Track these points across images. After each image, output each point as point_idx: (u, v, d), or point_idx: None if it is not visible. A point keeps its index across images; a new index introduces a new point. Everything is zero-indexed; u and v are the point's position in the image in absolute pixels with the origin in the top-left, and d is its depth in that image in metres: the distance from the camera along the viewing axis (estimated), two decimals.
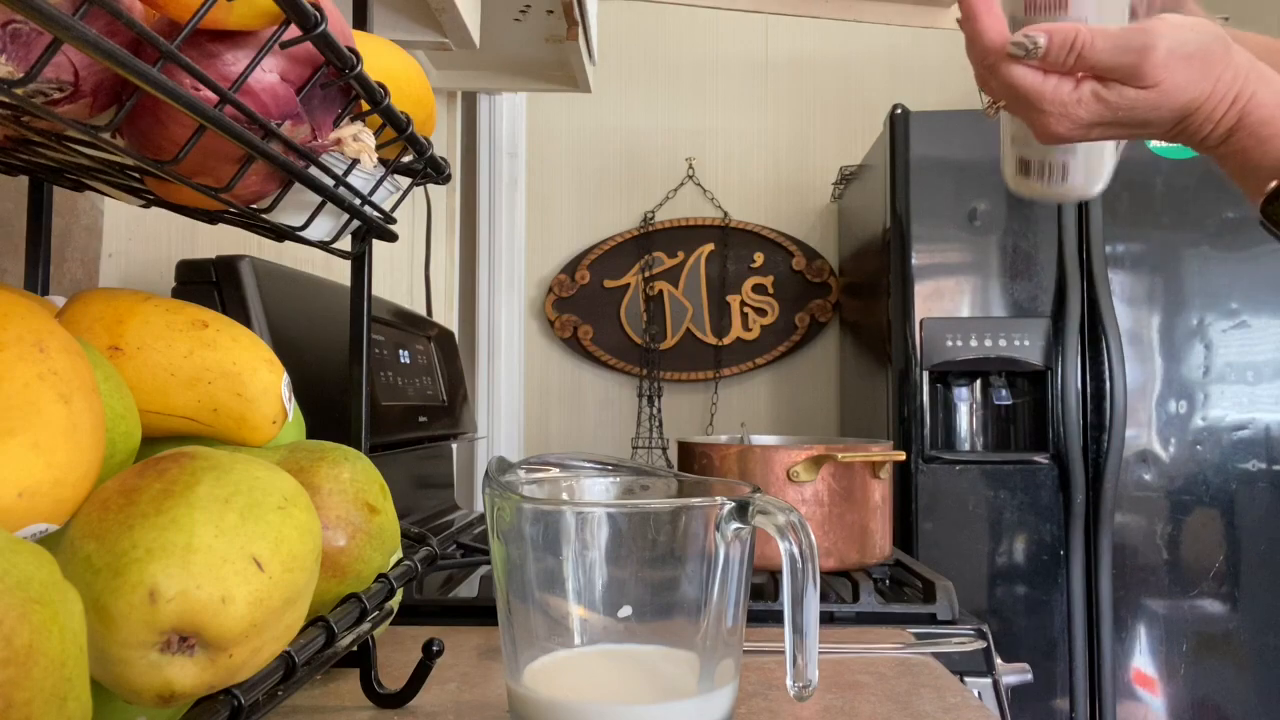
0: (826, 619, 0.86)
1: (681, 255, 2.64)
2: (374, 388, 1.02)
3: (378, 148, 0.49)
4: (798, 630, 0.46)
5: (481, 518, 1.37)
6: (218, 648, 0.36)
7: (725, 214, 2.66)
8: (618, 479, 0.59)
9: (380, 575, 0.55)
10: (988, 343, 1.89)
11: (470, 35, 1.13)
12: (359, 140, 0.48)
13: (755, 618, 0.81)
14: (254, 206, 0.50)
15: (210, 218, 0.57)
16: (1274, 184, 0.48)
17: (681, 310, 2.63)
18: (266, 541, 0.38)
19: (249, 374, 0.51)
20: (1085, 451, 1.86)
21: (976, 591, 1.86)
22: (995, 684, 0.80)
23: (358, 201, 0.56)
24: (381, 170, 0.56)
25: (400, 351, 1.18)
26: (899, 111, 1.97)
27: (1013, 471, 1.88)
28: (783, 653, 0.47)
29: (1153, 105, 0.47)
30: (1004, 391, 1.94)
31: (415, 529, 0.67)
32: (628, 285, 2.65)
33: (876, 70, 2.66)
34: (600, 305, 2.64)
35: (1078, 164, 0.57)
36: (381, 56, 0.56)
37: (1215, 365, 1.87)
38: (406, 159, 0.59)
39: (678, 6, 2.33)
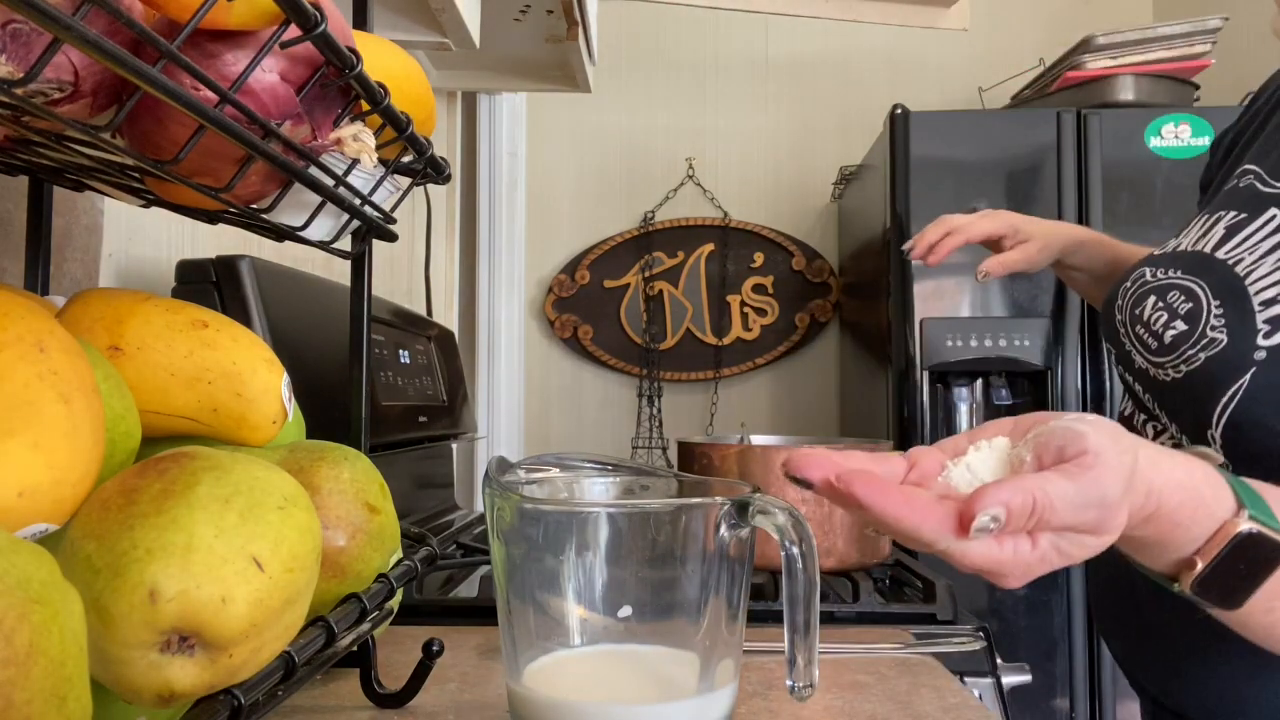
0: (826, 619, 0.86)
1: (681, 255, 2.64)
2: (374, 388, 1.02)
3: (378, 148, 0.49)
4: (798, 630, 0.46)
5: (481, 518, 1.37)
6: (218, 648, 0.36)
7: (725, 214, 2.66)
8: (618, 479, 0.59)
9: (380, 575, 0.55)
10: (988, 343, 1.89)
11: (470, 35, 1.13)
12: (359, 140, 0.48)
13: (755, 618, 0.81)
14: (254, 206, 0.50)
15: (210, 218, 0.57)
16: (1200, 565, 0.48)
17: (681, 310, 2.63)
18: (266, 541, 0.38)
19: (249, 374, 0.51)
20: None
21: (976, 591, 1.85)
22: (995, 684, 0.80)
23: (358, 201, 0.56)
24: (381, 170, 0.56)
25: (400, 351, 1.18)
26: (899, 111, 1.97)
27: None
28: (783, 653, 0.47)
29: (1105, 545, 0.46)
30: (1004, 391, 1.94)
31: (415, 529, 0.67)
32: (628, 285, 2.65)
33: (876, 70, 2.66)
34: (600, 305, 2.64)
35: None
36: (381, 56, 0.56)
37: None
38: (406, 159, 0.59)
39: (678, 6, 2.33)
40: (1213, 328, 0.65)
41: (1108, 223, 1.89)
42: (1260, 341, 0.62)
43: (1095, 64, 2.01)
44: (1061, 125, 1.93)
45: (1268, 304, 0.63)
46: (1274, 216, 0.67)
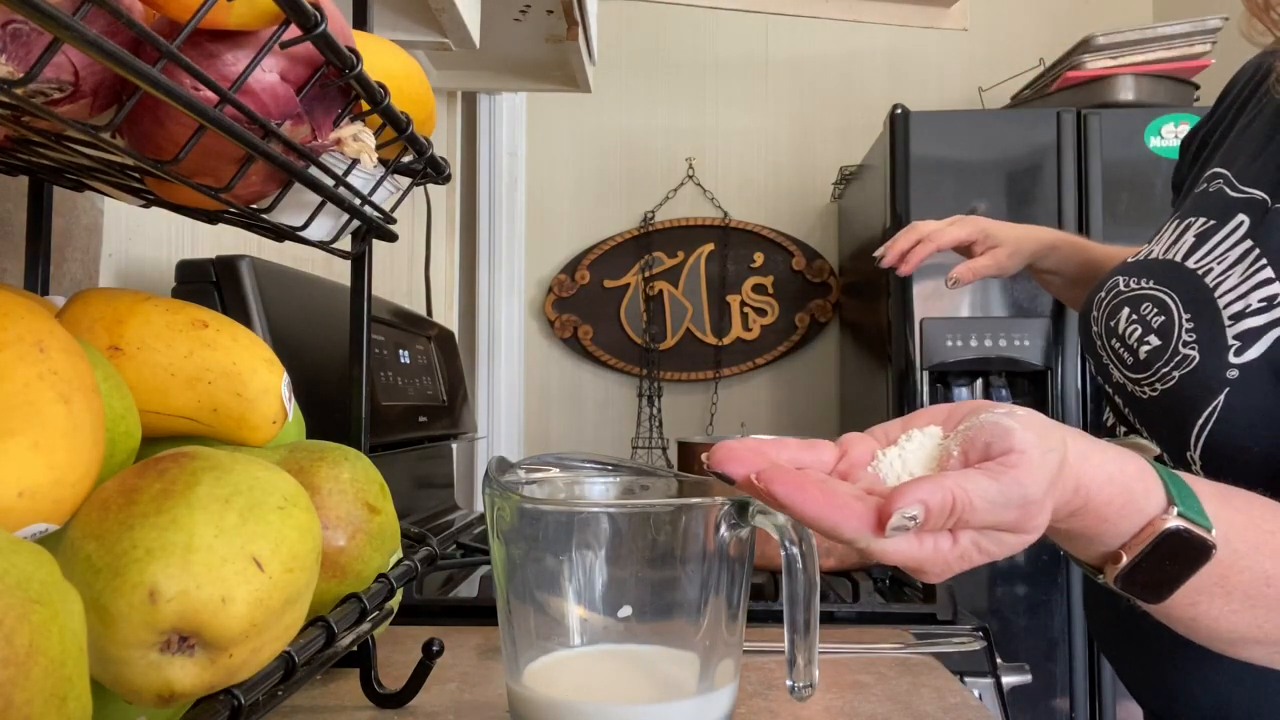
0: (826, 619, 0.86)
1: (681, 255, 2.64)
2: (374, 388, 1.02)
3: (378, 148, 0.49)
4: (798, 630, 0.46)
5: (481, 518, 1.37)
6: (218, 648, 0.36)
7: (725, 214, 2.66)
8: (618, 479, 0.59)
9: (380, 575, 0.55)
10: (988, 343, 1.89)
11: (470, 35, 1.13)
12: (359, 140, 0.48)
13: (755, 618, 0.81)
14: (254, 206, 0.50)
15: (210, 218, 0.57)
16: (1125, 559, 0.47)
17: (681, 310, 2.63)
18: (266, 541, 0.38)
19: (249, 374, 0.51)
20: None
21: (976, 591, 1.85)
22: (995, 684, 0.80)
23: (358, 201, 0.56)
24: (381, 170, 0.56)
25: (400, 351, 1.18)
26: (899, 111, 1.97)
27: None
28: (783, 653, 0.47)
29: (1026, 544, 0.45)
30: (1004, 391, 1.94)
31: (415, 529, 0.67)
32: (628, 285, 2.65)
33: (876, 70, 2.66)
34: (600, 305, 2.64)
35: None
36: (381, 56, 0.56)
37: None
38: (406, 159, 0.59)
39: (678, 6, 2.33)
40: (1184, 344, 0.64)
41: (1107, 223, 1.89)
42: (1232, 359, 0.61)
43: (1095, 64, 2.01)
44: (1061, 125, 1.93)
45: (1236, 318, 0.62)
46: (1241, 223, 0.66)
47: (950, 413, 0.48)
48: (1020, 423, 0.43)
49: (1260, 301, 0.62)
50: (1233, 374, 0.61)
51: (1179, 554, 0.47)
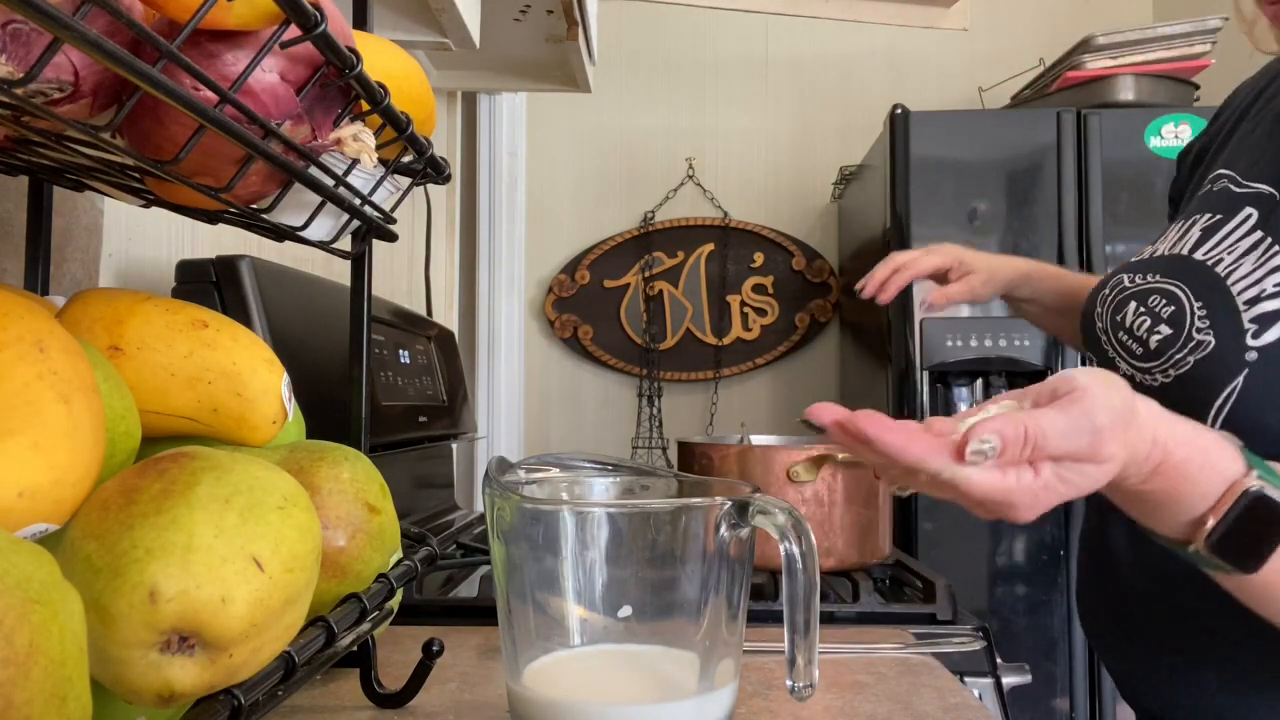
0: (826, 619, 0.86)
1: (681, 255, 2.64)
2: (374, 388, 1.02)
3: (378, 148, 0.49)
4: (798, 630, 0.46)
5: (481, 518, 1.37)
6: (218, 648, 0.36)
7: (725, 214, 2.65)
8: (618, 479, 0.59)
9: (380, 575, 0.55)
10: (987, 343, 1.89)
11: (470, 35, 1.13)
12: (359, 140, 0.48)
13: (755, 618, 0.81)
14: (254, 206, 0.50)
15: (210, 218, 0.57)
16: (1211, 521, 0.49)
17: (681, 310, 2.63)
18: (266, 541, 0.38)
19: (249, 374, 0.51)
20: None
21: (976, 591, 1.85)
22: (995, 684, 0.80)
23: (358, 201, 0.56)
24: (381, 170, 0.56)
25: (400, 351, 1.18)
26: (899, 111, 1.97)
27: None
28: (783, 653, 0.47)
29: (1106, 473, 0.48)
30: (1004, 391, 1.94)
31: (415, 529, 0.67)
32: (628, 285, 2.65)
33: (876, 70, 2.66)
34: (600, 305, 2.64)
35: None
36: (381, 56, 0.56)
37: None
38: (406, 159, 0.59)
39: (678, 6, 2.33)
40: (1198, 330, 0.65)
41: (1108, 223, 1.89)
42: (1250, 342, 0.62)
43: (1095, 64, 2.01)
44: (1061, 125, 1.93)
45: (1252, 302, 0.63)
46: (1250, 215, 0.67)
47: (1023, 393, 0.51)
48: (1082, 372, 0.48)
49: (1276, 286, 0.62)
50: (1251, 356, 0.61)
51: (1266, 518, 0.48)
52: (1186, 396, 0.64)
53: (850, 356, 2.49)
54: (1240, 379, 0.62)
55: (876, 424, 0.45)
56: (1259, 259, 0.65)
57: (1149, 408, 0.49)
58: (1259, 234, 0.66)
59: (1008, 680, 0.81)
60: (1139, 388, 0.71)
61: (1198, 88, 2.06)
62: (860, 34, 2.61)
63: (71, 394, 0.37)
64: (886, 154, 1.99)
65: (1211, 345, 0.64)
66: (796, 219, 2.67)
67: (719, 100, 2.68)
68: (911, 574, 0.98)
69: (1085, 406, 0.46)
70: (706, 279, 2.64)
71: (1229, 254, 0.67)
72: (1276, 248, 0.64)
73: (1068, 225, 1.90)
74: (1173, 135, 1.91)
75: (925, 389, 1.91)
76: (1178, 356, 0.66)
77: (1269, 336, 0.61)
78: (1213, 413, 0.63)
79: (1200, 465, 0.49)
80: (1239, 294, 0.64)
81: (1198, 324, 0.65)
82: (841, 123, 2.65)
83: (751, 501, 0.48)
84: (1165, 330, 0.67)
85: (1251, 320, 0.63)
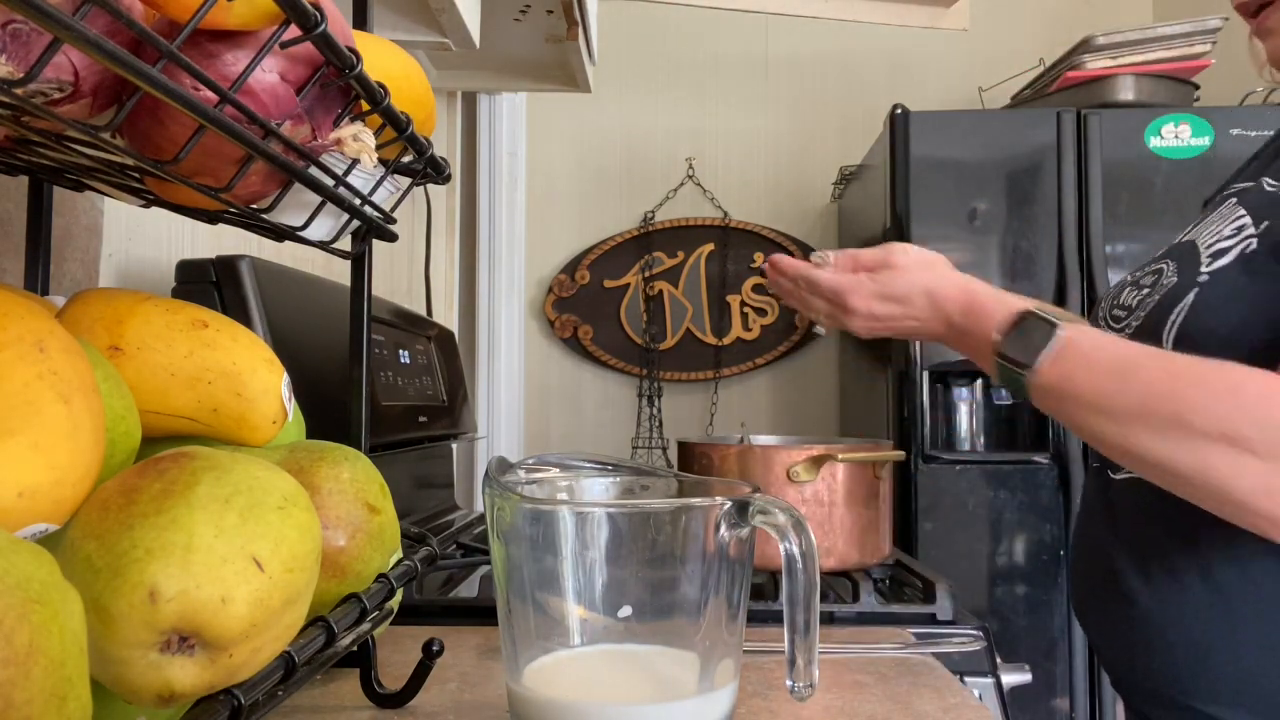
0: (826, 619, 0.86)
1: (681, 255, 2.64)
2: (374, 388, 1.02)
3: (378, 148, 0.49)
4: (798, 630, 0.46)
5: (481, 518, 1.37)
6: (218, 648, 0.36)
7: (725, 214, 2.65)
8: (618, 479, 0.59)
9: (380, 575, 0.55)
10: None
11: (470, 35, 1.13)
12: (359, 140, 0.48)
13: (755, 618, 0.81)
14: (254, 206, 0.50)
15: (210, 218, 0.57)
16: (997, 334, 0.70)
17: (681, 310, 2.63)
18: (266, 541, 0.38)
19: (249, 374, 0.51)
20: (1085, 451, 1.86)
21: (976, 591, 1.85)
22: (995, 684, 0.80)
23: (358, 201, 0.56)
24: (381, 170, 0.56)
25: (400, 351, 1.18)
26: (899, 111, 1.97)
27: (1013, 471, 1.88)
28: (783, 653, 0.47)
29: (906, 282, 0.77)
30: (1003, 392, 1.94)
31: (415, 529, 0.67)
32: (628, 285, 2.64)
33: (876, 70, 2.66)
34: (600, 305, 2.64)
35: None
36: (381, 56, 0.56)
37: None
38: (406, 159, 0.59)
39: (678, 6, 2.33)
40: (1166, 278, 0.73)
41: (1107, 223, 1.89)
42: (1202, 269, 0.70)
43: (1095, 64, 2.01)
44: (1061, 125, 1.93)
45: (1211, 248, 0.71)
46: (1234, 196, 0.74)
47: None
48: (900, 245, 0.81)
49: (1232, 232, 0.70)
50: (1203, 278, 0.69)
51: (1034, 326, 0.67)
52: (1151, 326, 0.71)
53: (850, 357, 2.49)
54: (1191, 295, 0.69)
55: (782, 259, 0.86)
56: (1224, 218, 0.72)
57: (960, 273, 0.75)
58: (1232, 202, 0.73)
59: (1008, 680, 0.81)
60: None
61: (1198, 88, 2.06)
62: (860, 34, 2.61)
63: (71, 394, 0.37)
64: (886, 154, 1.99)
65: (1174, 281, 0.72)
66: (796, 219, 2.67)
67: (719, 100, 2.68)
68: (911, 574, 0.98)
69: (889, 247, 0.80)
70: (706, 279, 2.64)
71: (1208, 226, 0.73)
72: (1241, 210, 0.71)
73: (1068, 225, 1.90)
74: (1173, 135, 1.91)
75: (925, 389, 1.91)
76: (1149, 301, 0.73)
77: (1219, 263, 0.69)
78: (1168, 326, 0.70)
79: (996, 303, 0.71)
80: (1205, 248, 0.72)
81: (1168, 277, 0.73)
82: (841, 123, 2.65)
83: (751, 501, 0.48)
84: (1144, 291, 0.75)
85: (1208, 258, 0.71)
